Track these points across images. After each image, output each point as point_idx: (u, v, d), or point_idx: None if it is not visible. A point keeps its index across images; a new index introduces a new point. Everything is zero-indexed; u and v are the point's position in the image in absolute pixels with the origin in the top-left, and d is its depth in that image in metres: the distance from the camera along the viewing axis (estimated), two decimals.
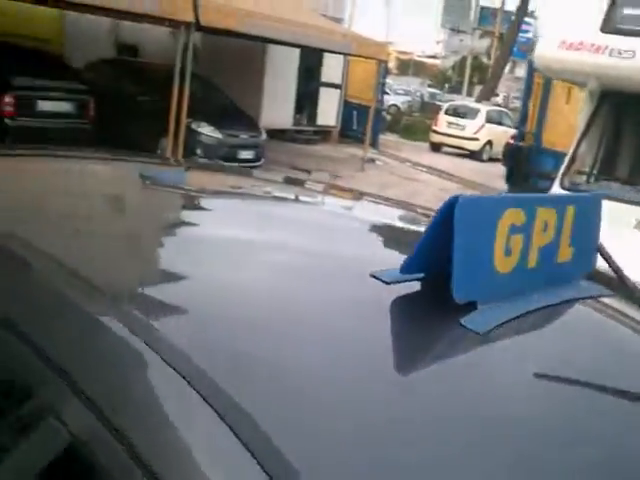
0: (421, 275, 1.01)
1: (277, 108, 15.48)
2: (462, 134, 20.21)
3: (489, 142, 20.17)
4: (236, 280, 1.04)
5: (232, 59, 14.54)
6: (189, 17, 9.58)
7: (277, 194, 1.91)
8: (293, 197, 1.96)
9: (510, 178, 5.76)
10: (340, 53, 13.95)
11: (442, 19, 55.59)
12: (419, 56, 65.05)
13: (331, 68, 17.15)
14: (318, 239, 1.33)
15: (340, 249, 1.27)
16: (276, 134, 15.83)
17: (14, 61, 9.46)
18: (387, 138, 19.95)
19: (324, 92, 17.42)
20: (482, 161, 19.55)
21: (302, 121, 17.12)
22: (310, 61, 16.61)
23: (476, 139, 20.19)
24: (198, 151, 10.72)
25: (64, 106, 9.64)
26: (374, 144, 17.31)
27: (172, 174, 2.10)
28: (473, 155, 19.98)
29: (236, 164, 10.80)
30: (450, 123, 20.56)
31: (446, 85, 50.56)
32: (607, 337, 1.14)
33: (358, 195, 2.22)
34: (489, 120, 20.79)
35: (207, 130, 10.92)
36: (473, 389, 0.87)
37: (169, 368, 0.76)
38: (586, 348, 1.06)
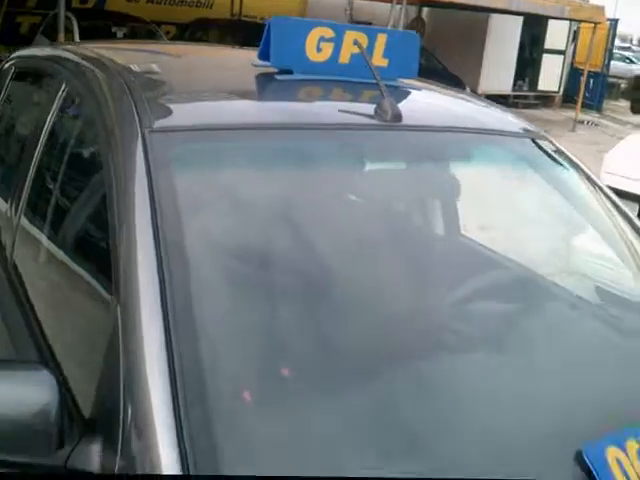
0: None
1: (497, 74, 16.17)
2: None
3: None
4: None
5: (456, 29, 15.53)
6: None
7: None
8: None
9: (633, 107, 6.35)
10: (553, 18, 14.32)
11: None
12: None
13: (555, 35, 17.41)
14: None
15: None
16: (496, 99, 16.52)
17: (243, 36, 11.38)
18: (618, 104, 19.62)
19: (547, 58, 17.73)
20: None
21: (523, 87, 17.61)
22: (533, 29, 17.05)
23: None
24: None
25: None
26: (598, 108, 17.40)
27: None
28: None
29: None
30: None
31: None
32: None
33: None
34: None
35: None
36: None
37: None
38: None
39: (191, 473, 1.14)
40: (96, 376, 1.39)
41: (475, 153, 2.10)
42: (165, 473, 1.14)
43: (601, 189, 2.21)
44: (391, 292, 1.71)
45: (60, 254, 1.91)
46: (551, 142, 2.25)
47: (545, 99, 18.08)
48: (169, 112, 1.80)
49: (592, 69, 15.65)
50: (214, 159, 1.74)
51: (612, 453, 1.30)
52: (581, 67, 17.83)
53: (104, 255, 1.52)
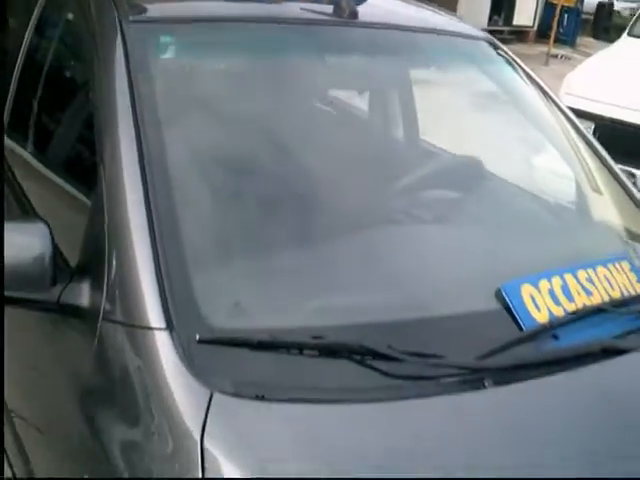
0: None
1: (473, 9, 16.13)
2: None
3: None
4: None
5: None
6: None
7: None
8: None
9: (595, 34, 6.55)
10: None
11: None
12: None
13: None
14: None
15: None
16: None
17: None
18: (591, 40, 19.67)
19: None
20: None
21: (498, 22, 17.62)
22: None
23: None
24: None
25: None
26: (572, 43, 17.52)
27: None
28: None
29: None
30: None
31: None
32: None
33: None
34: None
35: None
36: None
37: None
38: None
39: (170, 309, 1.32)
40: (81, 234, 1.58)
41: (429, 52, 2.28)
42: (148, 312, 1.33)
43: (549, 94, 2.41)
44: (351, 180, 1.89)
45: (47, 138, 2.09)
46: (502, 49, 2.45)
47: (520, 34, 18.09)
48: (145, 6, 1.96)
49: (566, 4, 15.67)
50: (186, 48, 1.91)
51: (527, 290, 1.53)
52: (556, 2, 17.87)
53: (88, 132, 1.70)
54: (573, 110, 2.64)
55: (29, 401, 1.78)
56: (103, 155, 1.57)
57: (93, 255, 1.51)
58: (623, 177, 2.29)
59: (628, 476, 1.25)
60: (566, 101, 4.58)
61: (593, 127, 4.69)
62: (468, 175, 2.09)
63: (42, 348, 1.71)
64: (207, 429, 1.15)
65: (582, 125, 2.41)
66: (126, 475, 1.23)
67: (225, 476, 1.13)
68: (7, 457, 1.86)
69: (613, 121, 4.74)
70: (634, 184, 2.41)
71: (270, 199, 1.66)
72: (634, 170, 4.29)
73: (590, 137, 2.34)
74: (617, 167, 2.31)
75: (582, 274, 1.63)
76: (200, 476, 1.12)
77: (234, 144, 1.78)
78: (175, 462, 1.17)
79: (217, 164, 1.69)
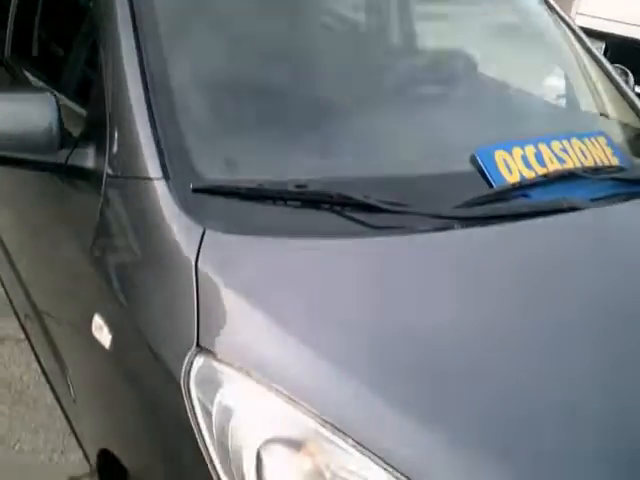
0: None
1: None
2: None
3: None
4: None
5: None
6: None
7: None
8: None
9: None
10: None
11: None
12: None
13: None
14: None
15: None
16: None
17: None
18: None
19: None
20: None
21: None
22: None
23: None
24: None
25: None
26: None
27: None
28: None
29: None
30: None
31: None
32: None
33: None
34: None
35: None
36: None
37: None
38: None
39: (166, 162, 1.44)
40: (83, 110, 1.71)
41: None
42: (147, 165, 1.44)
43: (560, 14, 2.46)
44: (338, 60, 1.95)
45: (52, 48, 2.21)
46: None
47: None
48: None
49: None
50: None
51: (500, 155, 1.64)
52: None
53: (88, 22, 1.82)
54: (585, 30, 2.66)
55: (37, 254, 1.95)
56: (105, 40, 1.66)
57: (96, 122, 1.63)
58: (615, 74, 2.36)
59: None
60: (578, 21, 4.59)
61: (604, 46, 4.70)
62: (458, 65, 2.17)
63: (50, 209, 1.86)
64: (200, 256, 1.30)
65: (593, 45, 2.45)
66: (126, 298, 1.39)
67: (217, 289, 1.28)
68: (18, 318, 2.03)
69: (624, 39, 4.74)
70: (626, 82, 2.48)
71: (262, 70, 1.76)
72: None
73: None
74: (609, 64, 2.39)
75: (556, 144, 1.73)
76: (195, 292, 1.27)
77: (231, 25, 1.86)
78: (173, 282, 1.32)
79: (212, 38, 1.79)
